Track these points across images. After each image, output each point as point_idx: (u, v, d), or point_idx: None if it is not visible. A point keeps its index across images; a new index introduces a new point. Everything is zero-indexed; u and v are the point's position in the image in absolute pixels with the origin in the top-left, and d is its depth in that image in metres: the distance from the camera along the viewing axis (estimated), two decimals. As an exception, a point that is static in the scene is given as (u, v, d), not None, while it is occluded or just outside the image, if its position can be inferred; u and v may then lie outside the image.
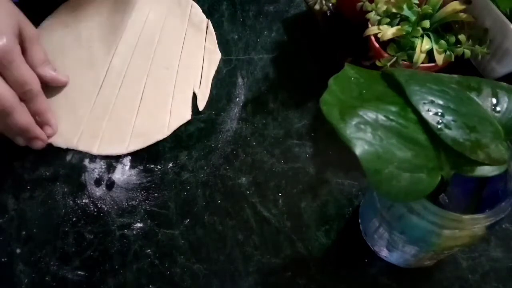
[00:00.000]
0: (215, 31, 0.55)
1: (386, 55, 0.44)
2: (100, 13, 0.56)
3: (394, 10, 0.44)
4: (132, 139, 0.47)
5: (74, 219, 0.43)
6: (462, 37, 0.43)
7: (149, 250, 0.41)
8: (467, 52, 0.43)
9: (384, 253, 0.40)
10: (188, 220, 0.43)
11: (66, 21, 0.55)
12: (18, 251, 0.41)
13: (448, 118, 0.27)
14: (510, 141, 0.28)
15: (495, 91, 0.29)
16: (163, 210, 0.43)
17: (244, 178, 0.45)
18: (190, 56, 0.53)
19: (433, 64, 0.43)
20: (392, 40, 0.44)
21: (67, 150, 0.47)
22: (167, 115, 0.48)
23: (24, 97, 0.44)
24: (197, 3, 0.57)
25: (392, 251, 0.38)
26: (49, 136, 0.46)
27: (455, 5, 0.43)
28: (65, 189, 0.44)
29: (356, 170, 0.45)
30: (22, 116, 0.43)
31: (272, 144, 0.47)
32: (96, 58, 0.52)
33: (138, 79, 0.51)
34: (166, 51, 0.53)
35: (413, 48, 0.43)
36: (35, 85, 0.44)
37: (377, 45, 0.45)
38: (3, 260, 0.41)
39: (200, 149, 0.47)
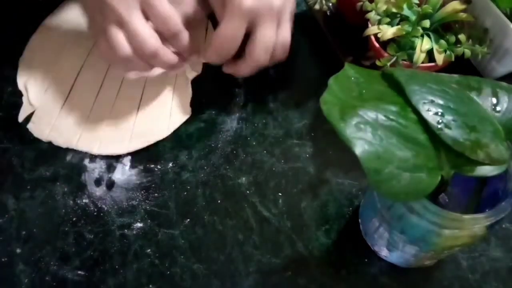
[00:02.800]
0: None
1: (386, 55, 0.44)
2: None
3: (394, 10, 0.44)
4: (132, 139, 0.47)
5: (74, 219, 0.43)
6: (462, 37, 0.43)
7: (149, 250, 0.41)
8: (467, 52, 0.43)
9: (384, 253, 0.40)
10: (188, 220, 0.43)
11: (66, 20, 0.55)
12: (18, 251, 0.41)
13: (448, 117, 0.27)
14: (510, 141, 0.28)
15: (495, 90, 0.29)
16: (163, 210, 0.43)
17: (244, 178, 0.45)
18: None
19: (433, 64, 0.43)
20: (392, 40, 0.44)
21: (67, 150, 0.47)
22: (167, 115, 0.48)
23: (168, 33, 0.43)
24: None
25: (392, 251, 0.38)
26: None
27: (455, 5, 0.43)
28: (65, 189, 0.44)
29: (356, 170, 0.45)
30: (166, 56, 0.43)
31: (272, 144, 0.47)
32: (96, 58, 0.52)
33: (138, 79, 0.51)
34: (166, 51, 0.53)
35: (413, 48, 0.43)
36: (177, 21, 0.43)
37: (377, 45, 0.45)
38: (3, 260, 0.41)
39: (200, 149, 0.47)
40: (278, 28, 0.44)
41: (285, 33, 0.45)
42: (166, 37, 0.43)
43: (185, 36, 0.44)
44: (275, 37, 0.44)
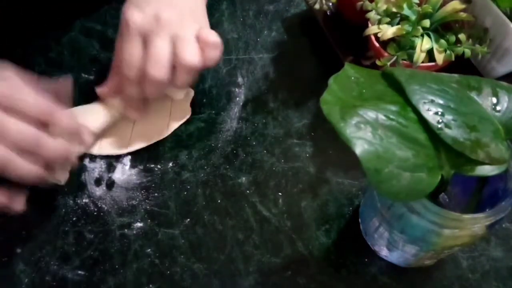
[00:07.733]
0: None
1: (386, 54, 0.44)
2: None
3: (394, 10, 0.44)
4: (132, 139, 0.47)
5: (74, 218, 0.43)
6: (462, 36, 0.43)
7: (149, 249, 0.41)
8: (467, 52, 0.43)
9: (384, 252, 0.40)
10: (188, 219, 0.43)
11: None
12: (18, 251, 0.41)
13: (448, 117, 0.27)
14: (510, 141, 0.28)
15: (495, 90, 0.29)
16: (163, 210, 0.43)
17: (244, 178, 0.45)
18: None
19: (433, 63, 0.43)
20: (392, 40, 0.44)
21: (67, 150, 0.47)
22: (167, 115, 0.48)
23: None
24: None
25: (392, 250, 0.38)
26: None
27: (455, 5, 0.43)
28: (65, 189, 0.44)
29: (356, 169, 0.45)
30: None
31: (272, 143, 0.47)
32: (96, 57, 0.52)
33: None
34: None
35: (413, 47, 0.43)
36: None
37: (377, 44, 0.45)
38: (3, 260, 0.41)
39: (200, 148, 0.47)
40: (176, 47, 0.41)
41: (183, 54, 0.40)
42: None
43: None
44: (167, 50, 0.40)
